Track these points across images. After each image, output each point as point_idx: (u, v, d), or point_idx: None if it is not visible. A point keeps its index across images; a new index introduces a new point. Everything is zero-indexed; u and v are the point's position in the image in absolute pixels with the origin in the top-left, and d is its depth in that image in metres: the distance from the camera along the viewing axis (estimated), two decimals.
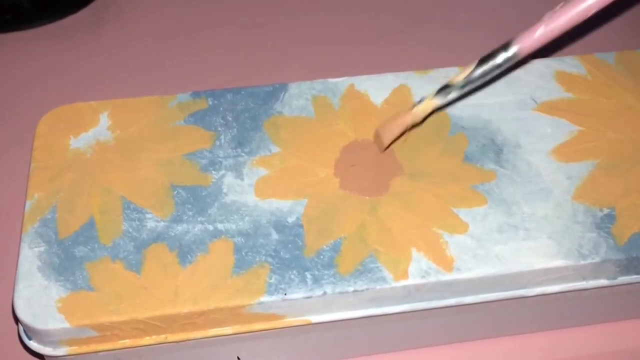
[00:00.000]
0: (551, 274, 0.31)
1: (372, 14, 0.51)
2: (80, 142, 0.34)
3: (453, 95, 0.31)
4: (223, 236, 0.31)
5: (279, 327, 0.30)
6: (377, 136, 0.33)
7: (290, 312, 0.30)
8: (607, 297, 0.33)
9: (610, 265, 0.31)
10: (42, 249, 0.31)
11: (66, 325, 0.28)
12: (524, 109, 0.36)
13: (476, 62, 0.30)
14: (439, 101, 0.31)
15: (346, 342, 0.33)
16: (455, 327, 0.34)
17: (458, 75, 0.30)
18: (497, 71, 0.30)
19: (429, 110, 0.31)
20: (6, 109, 0.45)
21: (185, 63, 0.48)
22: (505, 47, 0.29)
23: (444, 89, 0.31)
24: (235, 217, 0.32)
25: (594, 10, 0.26)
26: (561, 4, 0.27)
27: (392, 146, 0.34)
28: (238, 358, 0.33)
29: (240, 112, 0.35)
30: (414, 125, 0.32)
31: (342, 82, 0.37)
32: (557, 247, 0.31)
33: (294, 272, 0.30)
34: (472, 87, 0.31)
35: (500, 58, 0.29)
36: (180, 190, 0.33)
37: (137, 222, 0.31)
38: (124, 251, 0.31)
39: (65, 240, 0.31)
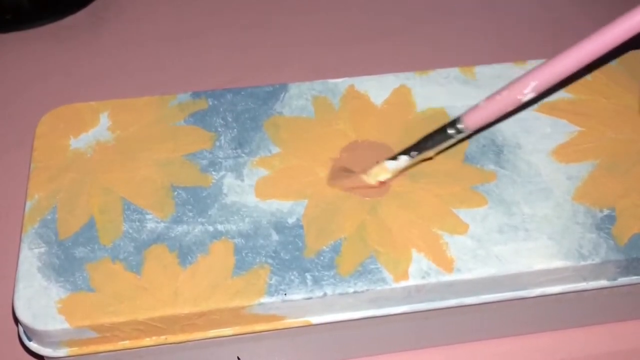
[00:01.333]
0: (551, 275, 0.31)
1: (372, 14, 0.51)
2: (80, 142, 0.34)
3: (403, 161, 0.32)
4: (223, 237, 0.31)
5: (279, 328, 0.30)
6: (334, 177, 0.33)
7: (290, 313, 0.30)
8: (607, 297, 0.33)
9: (611, 266, 0.31)
10: (42, 249, 0.31)
11: (66, 326, 0.28)
12: (524, 109, 0.36)
13: (425, 135, 0.32)
14: (389, 166, 0.32)
15: (346, 343, 0.33)
16: (455, 328, 0.34)
17: (408, 145, 0.32)
18: (446, 143, 0.31)
19: (382, 173, 0.32)
20: (6, 109, 0.45)
21: (185, 63, 0.48)
22: (452, 123, 0.31)
23: (395, 156, 0.32)
24: (236, 217, 0.32)
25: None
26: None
27: (393, 146, 0.34)
28: (238, 359, 0.33)
29: (240, 113, 0.35)
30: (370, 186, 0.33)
31: (342, 83, 0.37)
32: (557, 247, 0.31)
33: (294, 273, 0.30)
34: (420, 158, 0.32)
35: (449, 130, 0.31)
36: (180, 191, 0.33)
37: (137, 223, 0.31)
38: (124, 252, 0.31)
39: (65, 241, 0.31)
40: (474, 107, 0.30)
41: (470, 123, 0.30)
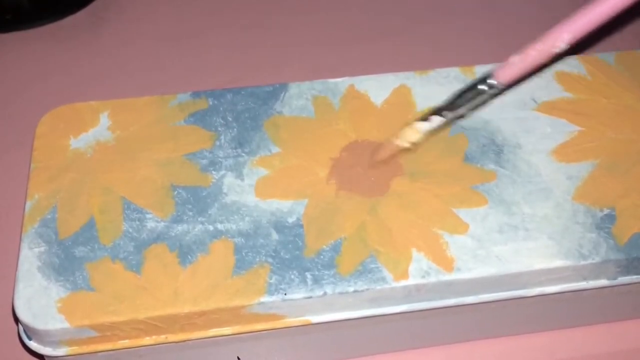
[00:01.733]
0: (551, 274, 0.31)
1: (372, 14, 0.51)
2: (80, 142, 0.34)
3: (435, 121, 0.31)
4: (223, 236, 0.31)
5: (279, 327, 0.30)
6: (374, 152, 0.33)
7: (290, 312, 0.30)
8: (608, 297, 0.33)
9: (611, 266, 0.31)
10: (42, 249, 0.31)
11: (66, 325, 0.28)
12: (524, 109, 0.36)
13: (455, 93, 0.31)
14: (420, 127, 0.32)
15: (346, 343, 0.33)
16: (455, 327, 0.34)
17: (439, 105, 0.31)
18: (478, 99, 0.31)
19: (413, 134, 0.32)
20: (6, 109, 0.45)
21: (185, 63, 0.48)
22: (483, 79, 0.30)
23: (426, 117, 0.31)
24: (236, 217, 0.32)
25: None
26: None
27: None
28: (238, 358, 0.33)
29: (240, 112, 0.35)
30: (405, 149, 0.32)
31: (342, 82, 0.37)
32: (557, 247, 0.31)
33: (294, 272, 0.30)
34: (453, 117, 0.31)
35: (481, 85, 0.30)
36: (180, 191, 0.33)
37: (137, 223, 0.31)
38: (124, 251, 0.31)
39: (65, 240, 0.31)
40: (506, 64, 0.29)
41: (503, 78, 0.29)
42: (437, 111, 0.31)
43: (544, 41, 0.28)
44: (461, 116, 0.31)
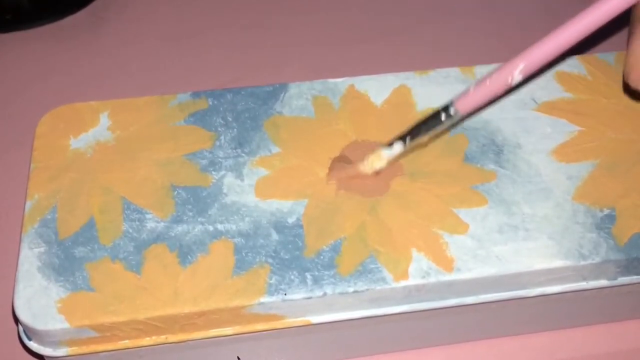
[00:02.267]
0: (551, 275, 0.31)
1: (372, 14, 0.51)
2: (80, 142, 0.34)
3: (397, 148, 0.32)
4: (223, 237, 0.31)
5: (279, 327, 0.30)
6: (333, 169, 0.33)
7: (290, 312, 0.30)
8: (608, 297, 0.33)
9: (611, 266, 0.31)
10: (42, 249, 0.31)
11: (66, 325, 0.28)
12: (524, 109, 0.36)
13: (417, 121, 0.32)
14: (384, 154, 0.32)
15: (346, 343, 0.33)
16: (455, 328, 0.34)
17: (401, 132, 0.32)
18: (439, 128, 0.31)
19: (377, 161, 0.32)
20: (6, 109, 0.45)
21: (185, 63, 0.48)
22: (445, 108, 0.31)
23: (390, 143, 0.32)
24: (236, 217, 0.32)
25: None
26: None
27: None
28: (238, 358, 0.33)
29: (240, 112, 0.35)
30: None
31: (342, 83, 0.37)
32: (557, 247, 0.31)
33: (294, 272, 0.30)
34: (414, 144, 0.32)
35: (442, 115, 0.31)
36: (180, 191, 0.33)
37: (137, 223, 0.31)
38: (124, 251, 0.31)
39: (65, 240, 0.31)
40: (465, 92, 0.30)
41: (461, 108, 0.30)
42: (400, 138, 0.32)
43: (499, 72, 0.29)
44: (423, 144, 0.32)
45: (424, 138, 0.32)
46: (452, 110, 0.30)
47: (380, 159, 0.32)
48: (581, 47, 0.47)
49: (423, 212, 0.32)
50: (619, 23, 0.50)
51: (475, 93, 0.29)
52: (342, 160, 0.33)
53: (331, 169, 0.33)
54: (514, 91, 0.36)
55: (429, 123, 0.31)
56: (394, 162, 0.32)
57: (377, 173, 0.32)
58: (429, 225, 0.31)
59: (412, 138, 0.32)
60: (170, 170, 0.33)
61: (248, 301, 0.29)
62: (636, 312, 0.36)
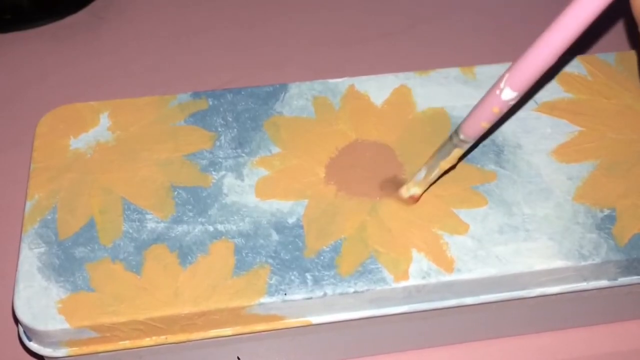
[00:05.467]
0: (551, 275, 0.31)
1: (372, 14, 0.51)
2: (80, 142, 0.34)
3: (423, 174, 0.31)
4: (223, 237, 0.31)
5: (279, 328, 0.30)
6: (384, 187, 0.33)
7: (290, 313, 0.30)
8: (608, 298, 0.33)
9: (611, 266, 0.31)
10: (42, 249, 0.31)
11: (66, 326, 0.28)
12: (524, 109, 0.36)
13: (437, 149, 0.31)
14: (417, 179, 0.32)
15: (346, 343, 0.33)
16: (455, 328, 0.34)
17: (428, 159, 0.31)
18: (457, 152, 0.30)
19: (412, 189, 0.32)
20: (6, 109, 0.45)
21: (185, 63, 0.48)
22: (456, 132, 0.30)
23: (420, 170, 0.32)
24: (236, 218, 0.32)
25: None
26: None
27: (393, 146, 0.34)
28: (238, 359, 0.33)
29: (240, 113, 0.35)
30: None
31: (342, 83, 0.37)
32: (557, 247, 0.31)
33: (295, 273, 0.30)
34: (441, 170, 0.31)
35: (454, 139, 0.30)
36: (180, 191, 0.33)
37: (137, 223, 0.31)
38: (124, 252, 0.31)
39: (65, 241, 0.31)
40: (468, 118, 0.29)
41: (467, 132, 0.29)
42: (425, 165, 0.31)
43: (489, 90, 0.28)
44: (453, 167, 0.31)
45: (445, 164, 0.31)
46: (461, 135, 0.29)
47: (415, 185, 0.32)
48: (581, 47, 0.47)
49: (423, 212, 0.32)
50: (619, 23, 0.50)
51: (477, 118, 0.28)
52: (391, 181, 0.33)
53: (381, 188, 0.33)
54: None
55: (445, 148, 0.30)
56: (428, 186, 0.32)
57: (414, 199, 0.32)
58: (429, 225, 0.31)
59: (435, 164, 0.31)
60: (171, 170, 0.33)
61: (248, 301, 0.29)
62: (636, 312, 0.36)
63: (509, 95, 0.27)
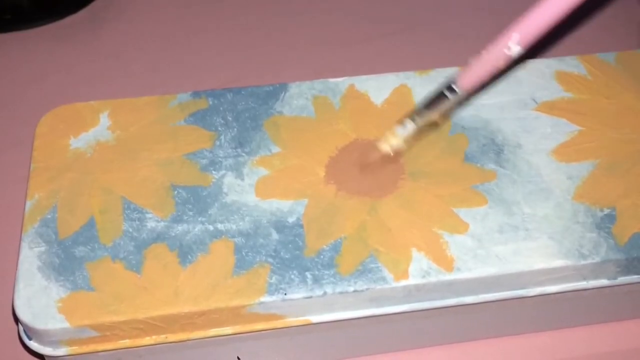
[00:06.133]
0: (551, 274, 0.31)
1: (373, 14, 0.51)
2: (80, 142, 0.34)
3: (409, 126, 0.31)
4: (223, 236, 0.31)
5: (279, 327, 0.30)
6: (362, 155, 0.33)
7: (290, 312, 0.30)
8: (608, 297, 0.33)
9: (611, 266, 0.31)
10: (42, 249, 0.31)
11: (66, 325, 0.28)
12: (524, 109, 0.36)
13: (423, 99, 0.31)
14: (398, 132, 0.32)
15: (346, 342, 0.33)
16: (455, 327, 0.34)
17: (410, 110, 0.32)
18: (445, 105, 0.31)
19: (392, 139, 0.32)
20: (6, 109, 0.45)
21: (185, 63, 0.48)
22: (448, 85, 0.30)
23: (402, 121, 0.32)
24: (236, 217, 0.32)
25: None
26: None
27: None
28: (238, 358, 0.33)
29: (240, 112, 0.35)
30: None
31: (342, 82, 0.37)
32: (557, 247, 0.31)
33: (294, 272, 0.30)
34: (424, 122, 0.31)
35: (446, 92, 0.30)
36: (180, 190, 0.33)
37: (137, 222, 0.31)
38: (124, 251, 0.31)
39: (66, 240, 0.31)
40: (466, 68, 0.29)
41: (464, 84, 0.29)
42: (409, 116, 0.31)
43: (495, 43, 0.27)
44: (435, 123, 0.31)
45: (432, 115, 0.31)
46: (455, 87, 0.29)
47: (395, 137, 0.32)
48: (581, 48, 0.47)
49: (423, 211, 0.32)
50: (619, 23, 0.50)
51: (475, 67, 0.29)
52: (364, 147, 0.32)
53: (359, 158, 0.33)
54: (515, 91, 0.36)
55: (435, 100, 0.31)
56: (409, 140, 0.32)
57: (396, 154, 0.32)
58: (429, 225, 0.31)
59: (421, 116, 0.31)
60: (171, 170, 0.33)
61: (248, 301, 0.29)
62: (636, 311, 0.36)
63: (516, 51, 0.27)
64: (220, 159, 0.34)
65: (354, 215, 0.32)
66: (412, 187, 0.33)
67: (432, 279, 0.30)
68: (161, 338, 0.30)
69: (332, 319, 0.30)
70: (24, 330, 0.30)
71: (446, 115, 0.31)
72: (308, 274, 0.30)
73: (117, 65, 0.48)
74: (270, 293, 0.29)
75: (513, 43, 0.27)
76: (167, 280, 0.30)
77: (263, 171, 0.33)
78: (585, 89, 0.37)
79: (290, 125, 0.35)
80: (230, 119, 0.35)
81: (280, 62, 0.48)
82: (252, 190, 0.33)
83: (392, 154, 0.32)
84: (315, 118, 0.35)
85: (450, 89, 0.30)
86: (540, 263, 0.30)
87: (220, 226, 0.31)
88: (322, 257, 0.30)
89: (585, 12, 0.50)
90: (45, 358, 0.31)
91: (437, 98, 0.31)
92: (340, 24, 0.51)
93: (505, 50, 0.27)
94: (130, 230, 0.31)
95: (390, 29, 0.50)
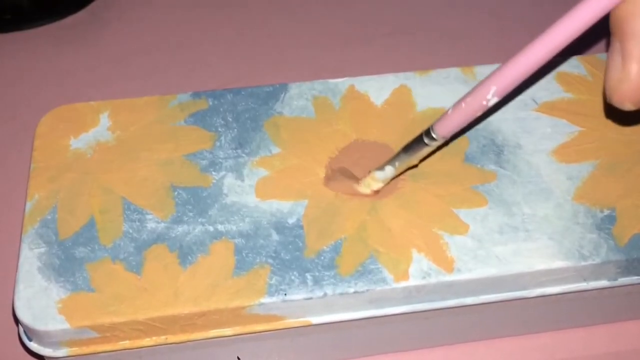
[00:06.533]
0: (551, 275, 0.31)
1: (372, 14, 0.51)
2: (80, 142, 0.34)
3: (389, 171, 0.32)
4: (223, 237, 0.31)
5: (279, 328, 0.30)
6: (331, 178, 0.33)
7: (290, 313, 0.30)
8: (608, 298, 0.33)
9: (611, 267, 0.31)
10: (42, 249, 0.31)
11: (66, 326, 0.28)
12: (524, 109, 0.36)
13: (404, 146, 0.32)
14: (378, 176, 0.32)
15: (346, 344, 0.33)
16: (455, 328, 0.34)
17: (392, 156, 0.32)
18: (425, 152, 0.31)
19: (373, 184, 0.32)
20: (6, 109, 0.45)
21: (185, 63, 0.48)
22: (427, 132, 0.30)
23: (382, 166, 0.32)
24: (236, 218, 0.32)
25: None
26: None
27: (393, 146, 0.34)
28: (238, 359, 0.33)
29: (240, 113, 0.35)
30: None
31: (342, 83, 0.37)
32: (557, 247, 0.31)
33: (295, 273, 0.30)
34: (404, 167, 0.32)
35: (425, 139, 0.30)
36: (180, 191, 0.33)
37: (138, 223, 0.31)
38: (124, 252, 0.31)
39: (66, 241, 0.31)
40: (443, 116, 0.29)
41: (441, 132, 0.30)
42: (390, 162, 0.32)
43: (474, 95, 0.28)
44: (414, 166, 0.32)
45: (412, 161, 0.31)
46: (433, 134, 0.30)
47: (375, 181, 0.32)
48: (581, 48, 0.47)
49: (423, 212, 0.32)
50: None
51: (452, 116, 0.29)
52: (341, 173, 0.33)
53: (329, 178, 0.33)
54: (515, 91, 0.36)
55: (414, 147, 0.31)
56: (388, 183, 0.32)
57: (376, 192, 0.32)
58: (429, 225, 0.31)
59: (401, 162, 0.31)
60: (171, 170, 0.33)
61: (248, 302, 0.29)
62: (636, 312, 0.36)
63: (494, 102, 0.28)
64: (220, 160, 0.34)
65: (354, 216, 0.32)
66: (412, 187, 0.33)
67: (432, 280, 0.30)
68: (161, 339, 0.30)
69: (332, 320, 0.30)
70: (24, 331, 0.30)
71: (424, 159, 0.32)
72: (308, 275, 0.30)
73: (117, 65, 0.48)
74: (271, 294, 0.29)
75: (491, 95, 0.28)
76: (167, 281, 0.30)
77: (263, 172, 0.33)
78: (585, 89, 0.37)
79: (290, 126, 0.35)
80: (230, 119, 0.35)
81: (280, 63, 0.48)
82: (252, 191, 0.33)
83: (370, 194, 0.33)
84: (315, 118, 0.35)
85: (429, 135, 0.30)
86: (541, 264, 0.30)
87: (220, 227, 0.31)
88: (322, 258, 0.30)
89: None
90: (46, 359, 0.31)
91: (416, 144, 0.31)
92: (340, 24, 0.51)
93: (484, 102, 0.28)
94: (131, 231, 0.31)
95: (390, 29, 0.50)
